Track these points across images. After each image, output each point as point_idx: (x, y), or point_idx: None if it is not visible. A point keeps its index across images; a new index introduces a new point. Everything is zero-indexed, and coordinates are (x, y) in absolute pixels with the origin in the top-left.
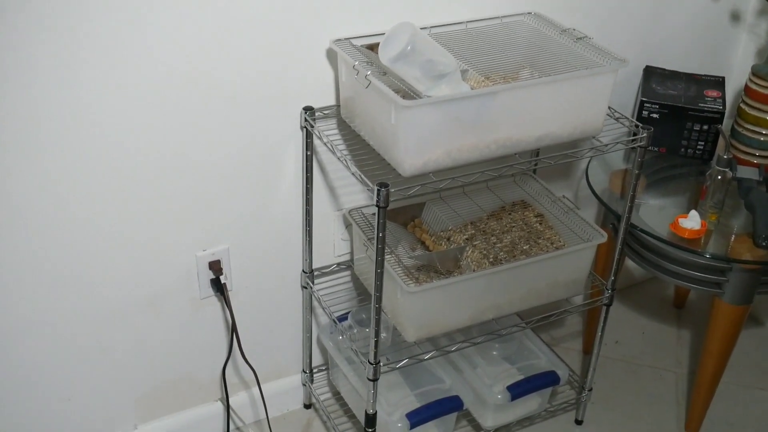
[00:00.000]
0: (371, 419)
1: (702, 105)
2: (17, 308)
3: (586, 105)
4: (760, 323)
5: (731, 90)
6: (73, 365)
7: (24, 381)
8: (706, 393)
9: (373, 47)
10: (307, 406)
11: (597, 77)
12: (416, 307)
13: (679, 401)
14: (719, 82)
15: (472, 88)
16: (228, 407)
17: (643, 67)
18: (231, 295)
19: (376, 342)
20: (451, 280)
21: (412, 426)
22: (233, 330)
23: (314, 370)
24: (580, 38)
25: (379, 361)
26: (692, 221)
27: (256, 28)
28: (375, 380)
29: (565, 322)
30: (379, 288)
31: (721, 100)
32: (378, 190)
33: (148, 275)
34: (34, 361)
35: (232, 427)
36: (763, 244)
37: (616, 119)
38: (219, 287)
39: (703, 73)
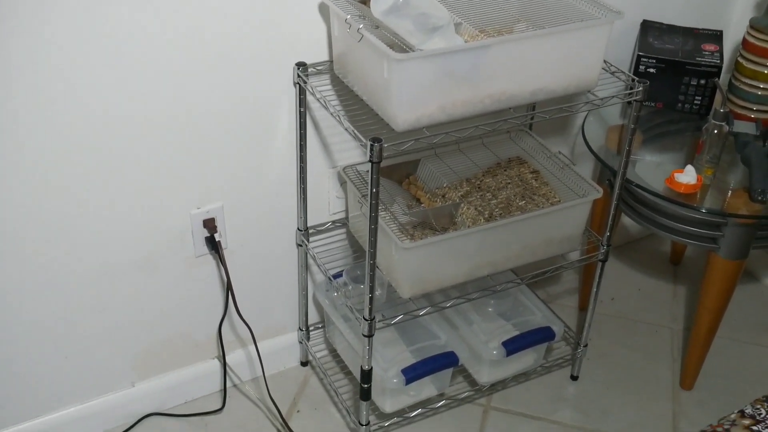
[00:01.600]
0: (367, 375)
1: (699, 59)
2: (14, 268)
3: (581, 58)
4: (756, 278)
5: (729, 44)
6: (71, 323)
7: (22, 339)
8: (702, 348)
9: (365, 0)
10: (304, 364)
11: (592, 30)
12: (411, 263)
13: (675, 357)
14: (717, 36)
15: (465, 42)
16: (225, 365)
17: (641, 21)
18: (226, 253)
19: (371, 298)
20: (445, 236)
21: (408, 381)
22: (228, 288)
23: (310, 328)
24: None
25: (374, 318)
26: (688, 176)
27: None
28: (370, 336)
29: (561, 279)
30: (373, 244)
31: (718, 54)
32: (371, 144)
33: (143, 234)
34: (31, 320)
35: (228, 384)
36: (759, 198)
37: (612, 73)
38: (214, 245)
39: (700, 26)
